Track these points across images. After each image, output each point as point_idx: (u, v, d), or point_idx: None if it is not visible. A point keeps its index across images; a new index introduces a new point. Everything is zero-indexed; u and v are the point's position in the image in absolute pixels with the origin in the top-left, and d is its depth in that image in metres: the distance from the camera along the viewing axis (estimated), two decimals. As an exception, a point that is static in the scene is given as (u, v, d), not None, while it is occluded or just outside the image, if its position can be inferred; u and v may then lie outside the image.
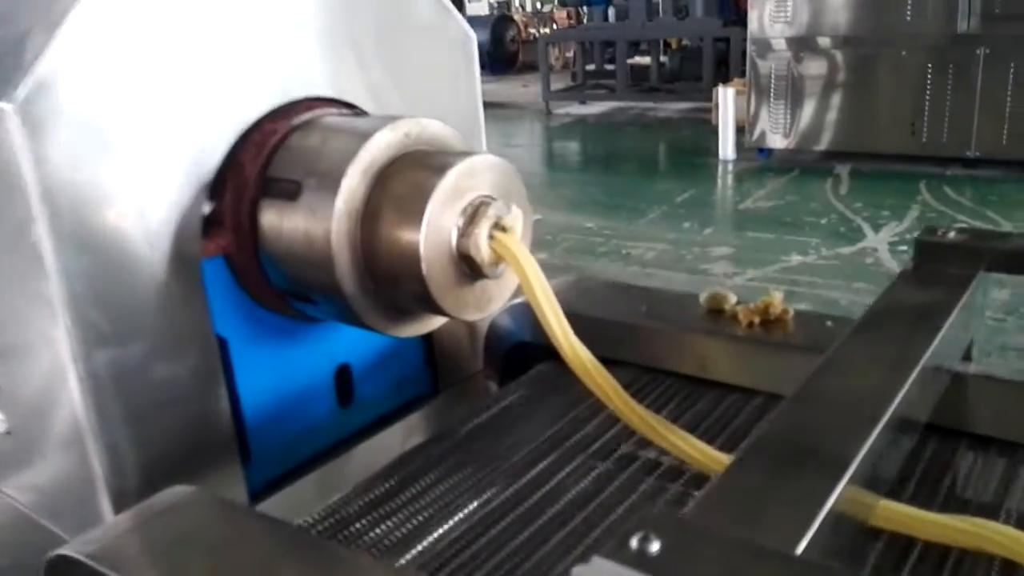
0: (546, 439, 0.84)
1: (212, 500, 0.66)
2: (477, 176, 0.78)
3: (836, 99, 4.70)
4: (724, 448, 0.73)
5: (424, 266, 0.74)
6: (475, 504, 0.76)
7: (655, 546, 0.38)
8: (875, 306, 0.68)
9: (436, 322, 0.87)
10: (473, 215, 0.77)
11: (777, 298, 0.88)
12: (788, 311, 0.88)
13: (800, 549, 0.41)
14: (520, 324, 0.98)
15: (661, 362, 0.87)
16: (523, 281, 0.77)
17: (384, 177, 0.78)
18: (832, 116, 4.72)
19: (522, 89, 8.81)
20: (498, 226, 0.77)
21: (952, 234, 0.75)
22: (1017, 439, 0.73)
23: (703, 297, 0.93)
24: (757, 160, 4.98)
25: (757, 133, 4.88)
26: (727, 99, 4.95)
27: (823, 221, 3.94)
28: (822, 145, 4.80)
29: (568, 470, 0.79)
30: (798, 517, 0.43)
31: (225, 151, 0.80)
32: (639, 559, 0.38)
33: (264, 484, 0.90)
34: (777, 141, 4.87)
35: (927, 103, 4.50)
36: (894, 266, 3.37)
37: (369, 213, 0.77)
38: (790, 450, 0.49)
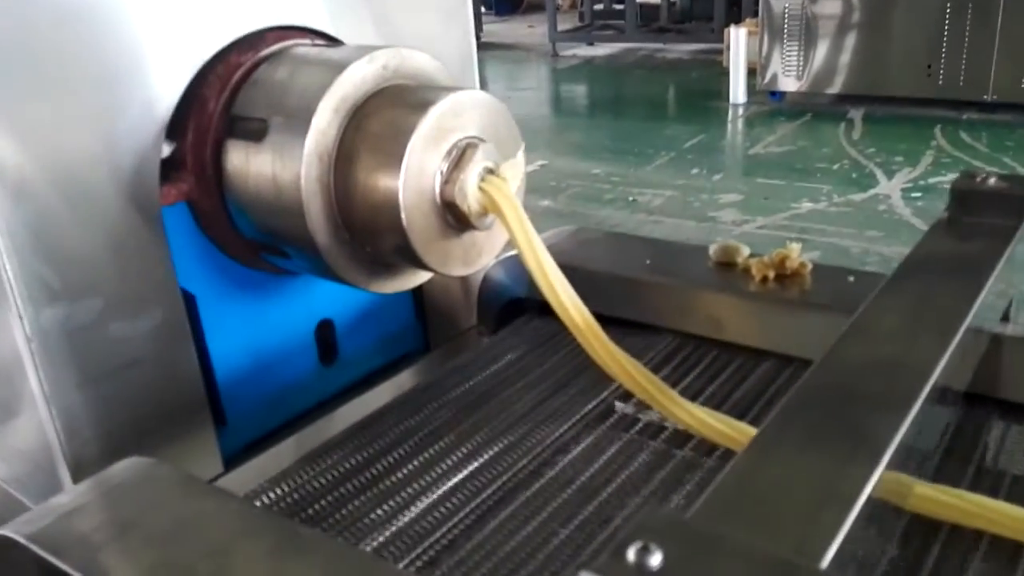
0: (535, 402, 0.77)
1: (170, 475, 0.60)
2: (463, 115, 0.70)
3: (851, 40, 4.53)
4: (734, 415, 0.66)
5: (404, 215, 0.67)
6: (459, 478, 0.70)
7: (656, 559, 0.32)
8: (908, 260, 0.61)
9: (420, 277, 0.80)
10: (459, 159, 0.69)
11: (794, 250, 0.80)
12: (806, 265, 0.80)
13: (827, 560, 0.35)
14: (515, 279, 0.91)
15: (665, 320, 0.80)
16: (511, 233, 0.70)
17: (360, 115, 0.70)
18: (846, 58, 4.56)
19: (528, 30, 8.57)
20: (487, 171, 0.70)
21: (992, 181, 0.67)
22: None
23: (713, 249, 0.86)
24: (769, 104, 4.83)
25: (769, 76, 4.73)
26: (739, 40, 4.79)
27: (835, 167, 3.83)
28: (835, 88, 4.65)
29: (558, 435, 0.72)
30: (827, 519, 0.36)
31: (184, 86, 0.72)
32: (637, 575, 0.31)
33: (242, 447, 0.85)
34: (789, 84, 4.72)
35: (944, 45, 4.34)
36: (907, 213, 3.27)
37: (343, 156, 0.69)
38: (816, 431, 0.42)
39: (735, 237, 3.07)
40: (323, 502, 0.68)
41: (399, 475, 0.70)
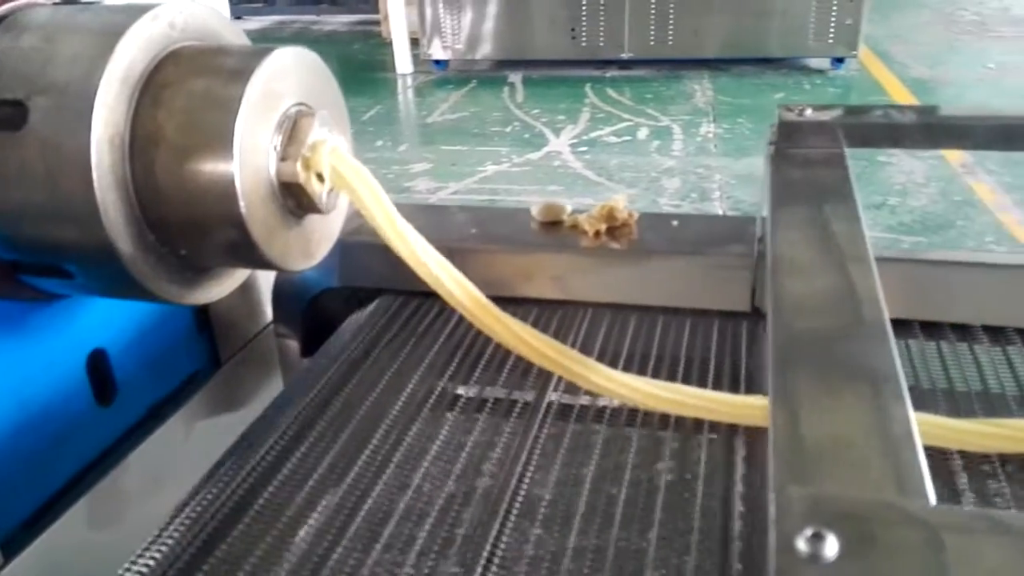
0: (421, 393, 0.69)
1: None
2: (287, 78, 0.59)
3: (502, 7, 4.75)
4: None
5: (243, 204, 0.54)
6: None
7: (832, 545, 0.28)
8: (774, 194, 0.62)
9: (238, 279, 0.67)
10: (292, 131, 0.58)
11: (620, 201, 0.80)
12: (633, 215, 0.80)
13: (932, 497, 0.33)
14: (323, 268, 0.80)
15: (512, 288, 0.76)
16: (366, 210, 0.60)
17: (155, 87, 0.56)
18: (500, 25, 4.78)
19: (158, 7, 7.86)
20: (324, 143, 0.59)
21: (809, 111, 0.72)
22: (934, 318, 0.73)
23: (536, 210, 0.82)
24: (435, 72, 4.91)
25: (431, 45, 4.81)
26: (396, 10, 4.79)
27: (508, 129, 4.01)
28: (494, 54, 4.86)
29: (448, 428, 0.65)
30: (905, 458, 0.35)
31: None
32: (828, 569, 0.27)
33: (19, 524, 0.66)
34: (450, 52, 4.84)
35: (583, 8, 4.71)
36: (579, 167, 3.53)
37: (141, 139, 0.55)
38: (825, 378, 0.41)
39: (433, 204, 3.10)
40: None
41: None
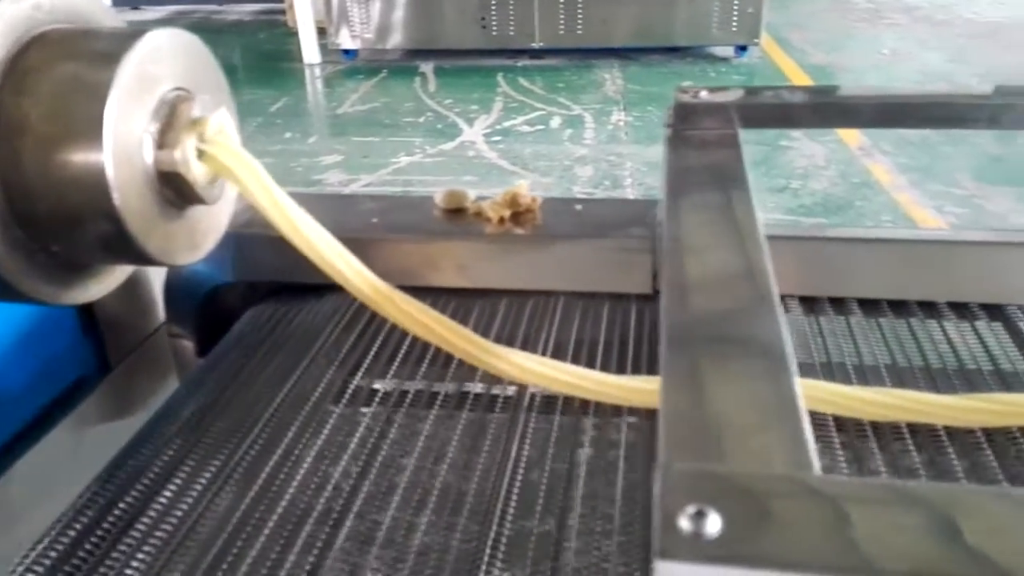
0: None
1: None
2: (163, 61, 0.56)
3: (411, -4, 4.71)
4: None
5: (116, 196, 0.51)
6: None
7: (715, 521, 0.28)
8: (669, 176, 0.62)
9: (122, 274, 0.63)
10: (169, 117, 0.55)
11: (524, 187, 0.79)
12: (536, 200, 0.79)
13: (817, 467, 0.33)
14: (217, 263, 0.77)
15: (416, 278, 0.74)
16: (253, 198, 0.58)
17: (19, 73, 0.52)
18: (410, 14, 4.73)
19: None
20: (204, 129, 0.56)
21: (703, 93, 0.72)
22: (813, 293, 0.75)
23: (438, 198, 0.81)
24: (344, 62, 4.83)
25: (339, 34, 4.72)
26: (302, -1, 4.69)
27: (420, 120, 3.98)
28: (404, 44, 4.81)
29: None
30: (787, 432, 0.35)
31: None
32: (709, 547, 0.27)
33: None
34: (359, 42, 4.76)
35: (493, -2, 4.71)
36: (494, 156, 3.52)
37: (4, 129, 0.51)
38: (716, 355, 0.41)
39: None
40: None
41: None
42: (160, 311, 0.83)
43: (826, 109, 0.71)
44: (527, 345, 0.70)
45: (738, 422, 0.36)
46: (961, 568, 0.26)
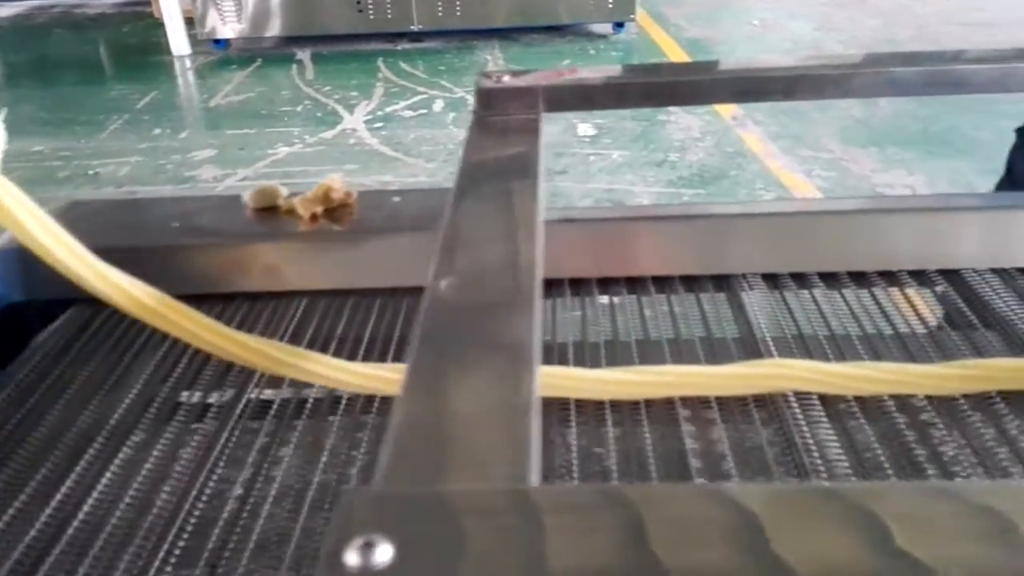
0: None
1: None
2: None
3: (282, -19, 4.57)
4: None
5: None
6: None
7: (385, 551, 0.26)
8: (463, 166, 0.60)
9: None
10: None
11: (337, 181, 0.76)
12: (351, 194, 0.76)
13: (535, 477, 0.32)
14: (5, 281, 0.71)
15: (220, 284, 0.70)
16: (6, 216, 0.53)
17: None
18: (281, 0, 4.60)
19: None
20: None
21: (507, 78, 0.71)
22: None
23: (247, 196, 0.77)
24: (215, 52, 4.66)
25: (208, 24, 4.55)
26: (166, -12, 4.50)
27: (299, 109, 3.88)
28: (278, 31, 4.67)
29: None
30: (517, 435, 0.33)
31: None
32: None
33: None
34: (230, 30, 4.60)
35: (367, -20, 4.62)
36: (375, 143, 3.47)
37: None
38: (464, 353, 0.39)
39: (219, 193, 2.94)
40: None
41: None
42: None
43: (627, 90, 0.71)
44: (342, 346, 0.67)
45: (464, 433, 0.35)
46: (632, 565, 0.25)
